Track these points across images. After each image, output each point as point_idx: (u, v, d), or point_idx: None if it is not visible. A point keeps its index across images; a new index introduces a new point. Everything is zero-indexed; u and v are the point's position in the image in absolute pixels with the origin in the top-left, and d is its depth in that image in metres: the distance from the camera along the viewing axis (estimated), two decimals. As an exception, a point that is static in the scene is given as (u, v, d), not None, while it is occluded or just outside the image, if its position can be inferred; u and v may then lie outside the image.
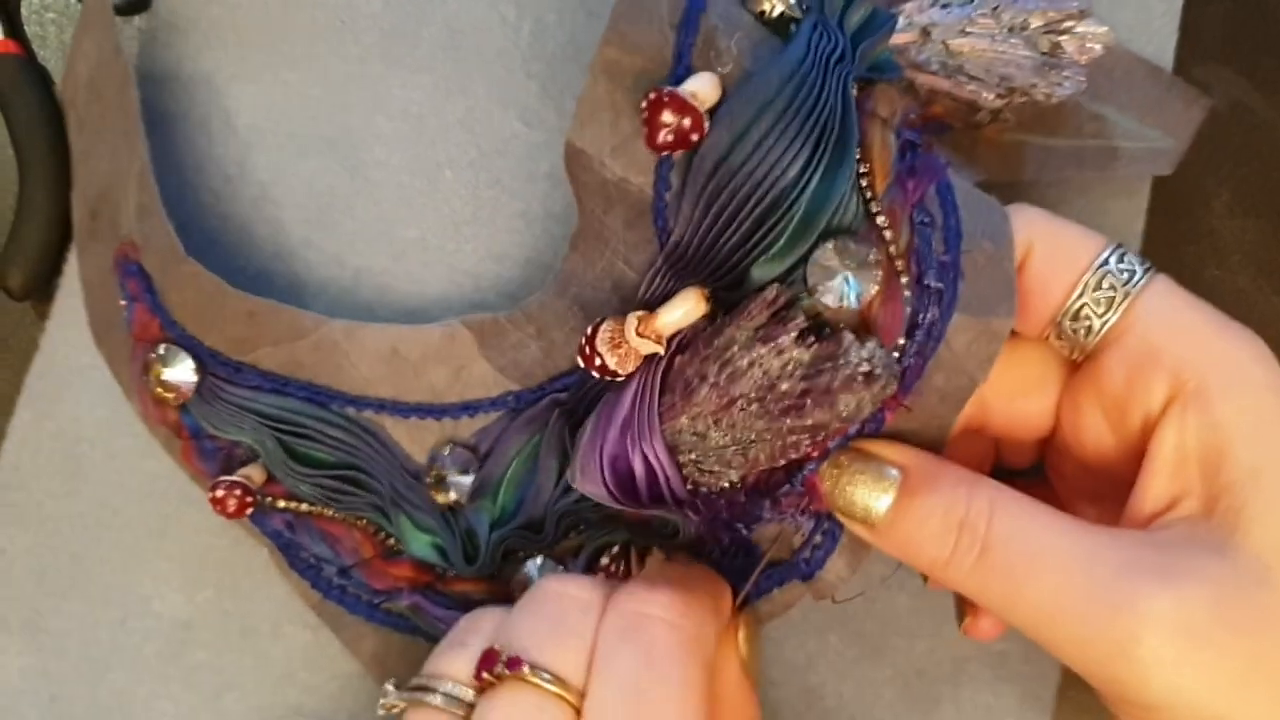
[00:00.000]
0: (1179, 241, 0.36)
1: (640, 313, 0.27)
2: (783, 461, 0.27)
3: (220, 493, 0.31)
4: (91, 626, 0.33)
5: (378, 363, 0.31)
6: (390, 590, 0.32)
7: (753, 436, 0.26)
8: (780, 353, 0.26)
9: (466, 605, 0.30)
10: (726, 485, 0.28)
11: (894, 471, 0.26)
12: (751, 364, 0.26)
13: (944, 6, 0.28)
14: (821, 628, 0.32)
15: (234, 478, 0.31)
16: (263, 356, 0.31)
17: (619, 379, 0.28)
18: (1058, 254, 0.27)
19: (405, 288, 0.35)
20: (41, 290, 0.36)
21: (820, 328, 0.26)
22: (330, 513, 0.32)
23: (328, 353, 0.31)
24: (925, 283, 0.26)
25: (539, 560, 0.31)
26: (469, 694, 0.26)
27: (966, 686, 0.32)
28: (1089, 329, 0.26)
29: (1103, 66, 0.30)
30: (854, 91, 0.26)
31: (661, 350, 0.27)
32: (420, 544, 0.31)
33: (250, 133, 0.37)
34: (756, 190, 0.26)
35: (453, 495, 0.31)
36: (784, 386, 0.26)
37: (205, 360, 0.31)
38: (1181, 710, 0.23)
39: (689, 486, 0.28)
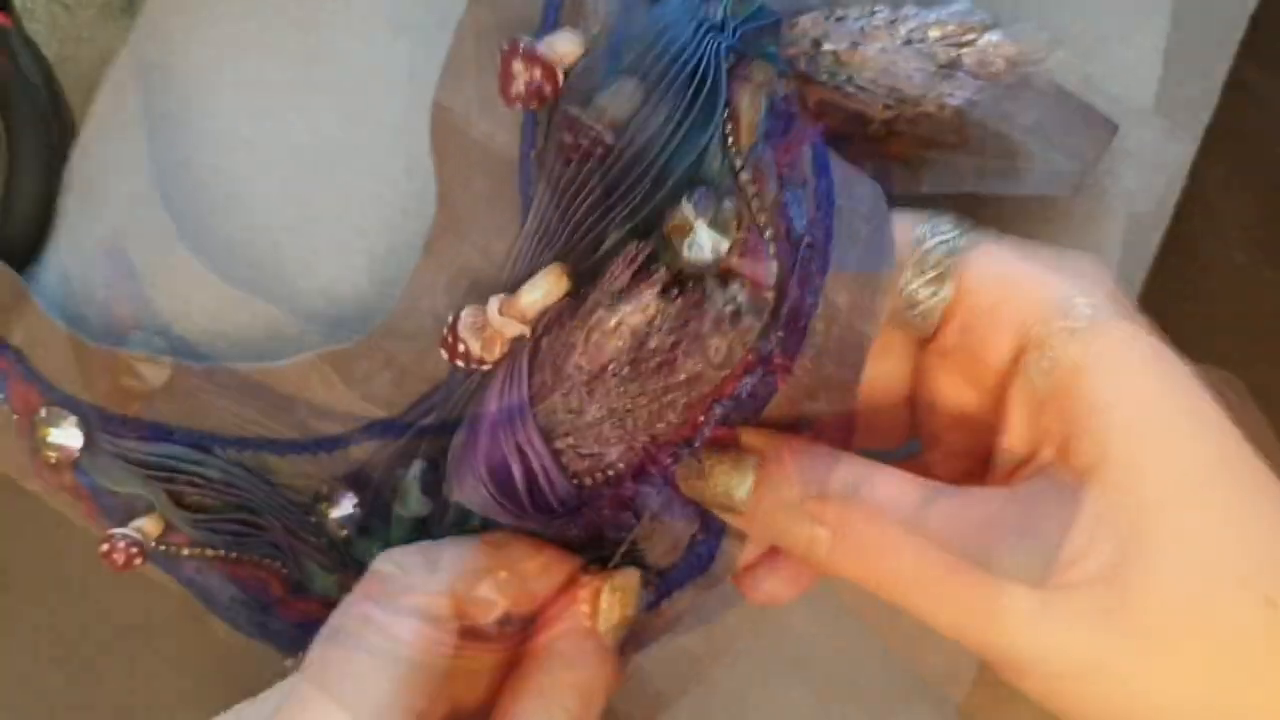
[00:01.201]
0: (1175, 216, 0.35)
1: (501, 295, 0.27)
2: (661, 426, 0.26)
3: (106, 546, 0.31)
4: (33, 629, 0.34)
5: (248, 401, 0.30)
6: (307, 623, 0.31)
7: (628, 404, 0.26)
8: (645, 309, 0.25)
9: None
10: (611, 473, 0.27)
11: (752, 458, 0.26)
12: (618, 325, 0.25)
13: (839, 20, 0.28)
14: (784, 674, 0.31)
15: (125, 530, 0.31)
16: (140, 408, 0.31)
17: (486, 368, 0.28)
18: None
19: (378, 302, 0.34)
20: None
21: (684, 282, 0.26)
22: (235, 555, 0.31)
23: (186, 398, 0.31)
24: (794, 238, 0.26)
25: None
26: None
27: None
28: (925, 315, 0.26)
29: (1012, 87, 0.30)
30: (728, 59, 0.26)
31: (527, 331, 0.27)
32: (324, 582, 0.31)
33: (227, 137, 0.37)
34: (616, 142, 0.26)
35: (344, 532, 0.30)
36: (653, 343, 0.26)
37: (88, 417, 0.31)
38: (1053, 661, 0.23)
39: (572, 480, 0.27)
